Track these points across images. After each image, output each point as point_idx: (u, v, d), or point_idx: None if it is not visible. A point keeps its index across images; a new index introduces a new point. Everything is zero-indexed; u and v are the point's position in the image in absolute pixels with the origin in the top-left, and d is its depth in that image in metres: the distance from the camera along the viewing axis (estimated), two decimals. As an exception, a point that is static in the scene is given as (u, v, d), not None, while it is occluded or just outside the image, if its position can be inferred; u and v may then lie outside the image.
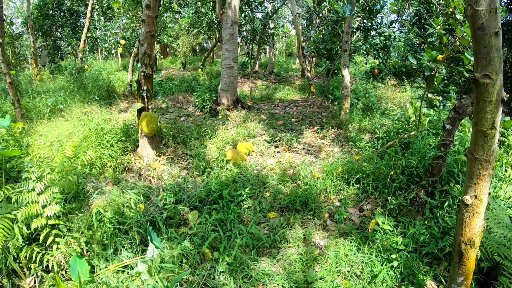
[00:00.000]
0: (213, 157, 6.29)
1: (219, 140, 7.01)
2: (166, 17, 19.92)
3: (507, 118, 14.13)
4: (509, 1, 11.57)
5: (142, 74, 6.12)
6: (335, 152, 6.99)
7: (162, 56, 26.85)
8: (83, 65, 14.10)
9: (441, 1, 7.62)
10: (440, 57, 5.16)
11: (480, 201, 2.68)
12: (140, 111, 6.29)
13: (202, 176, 5.72)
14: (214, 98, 10.04)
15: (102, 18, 21.58)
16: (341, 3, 8.62)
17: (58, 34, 20.83)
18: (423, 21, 21.32)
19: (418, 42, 20.97)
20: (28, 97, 10.39)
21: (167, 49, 31.12)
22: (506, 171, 5.38)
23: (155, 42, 23.88)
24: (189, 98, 12.21)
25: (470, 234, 2.77)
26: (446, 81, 6.18)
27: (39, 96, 10.45)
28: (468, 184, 2.70)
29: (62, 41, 20.92)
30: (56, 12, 20.29)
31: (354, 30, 12.14)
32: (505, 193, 4.70)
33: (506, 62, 14.63)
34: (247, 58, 14.80)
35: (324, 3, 15.03)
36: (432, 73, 5.50)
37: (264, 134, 7.71)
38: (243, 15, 13.22)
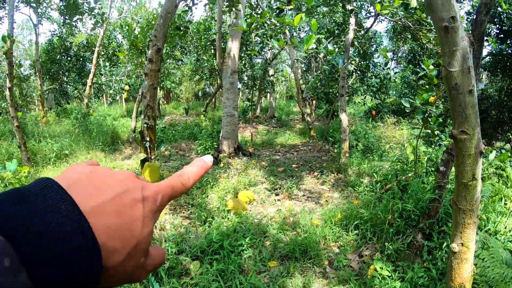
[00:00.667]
0: (214, 207, 6.41)
1: (221, 189, 7.15)
2: (169, 63, 20.62)
3: (507, 146, 14.28)
4: (498, 31, 11.98)
5: (145, 125, 6.35)
6: (335, 197, 7.10)
7: (165, 102, 27.53)
8: (89, 110, 14.51)
9: (431, 41, 7.97)
10: (432, 99, 5.38)
11: (467, 248, 2.78)
12: (143, 161, 6.48)
13: (203, 225, 5.82)
14: (216, 145, 10.27)
15: (107, 64, 22.36)
16: (334, 55, 8.96)
17: (65, 78, 21.46)
18: (417, 57, 21.97)
19: (414, 78, 21.49)
20: (34, 140, 10.65)
21: (170, 94, 31.92)
22: (505, 204, 5.45)
23: (159, 88, 24.59)
24: (191, 145, 12.47)
25: (460, 280, 2.85)
26: (441, 120, 6.37)
27: (45, 139, 10.72)
28: (455, 232, 2.81)
29: (68, 85, 21.53)
30: (63, 57, 21.01)
31: (351, 72, 12.52)
32: (505, 227, 4.76)
33: (501, 90, 14.98)
34: (248, 104, 15.20)
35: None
36: (426, 115, 5.70)
37: (264, 182, 7.85)
38: (243, 63, 13.73)
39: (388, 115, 20.07)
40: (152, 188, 0.48)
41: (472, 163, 2.61)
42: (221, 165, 8.97)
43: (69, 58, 21.36)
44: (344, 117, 8.32)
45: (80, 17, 13.57)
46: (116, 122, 15.86)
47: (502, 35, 12.47)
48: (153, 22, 11.83)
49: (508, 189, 5.84)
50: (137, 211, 0.44)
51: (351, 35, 9.19)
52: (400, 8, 6.40)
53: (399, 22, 8.39)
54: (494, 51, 12.97)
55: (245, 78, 16.22)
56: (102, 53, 21.31)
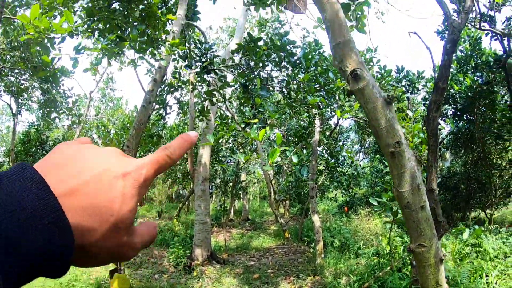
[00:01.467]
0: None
1: (194, 301, 6.85)
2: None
3: (482, 215, 14.32)
4: (454, 111, 12.74)
5: None
6: (313, 302, 6.89)
7: (138, 204, 27.00)
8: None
9: None
10: None
11: None
12: (112, 272, 6.22)
13: None
14: (189, 253, 10.02)
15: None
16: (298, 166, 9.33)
17: (39, 174, 20.97)
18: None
19: (382, 167, 22.23)
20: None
21: (144, 196, 31.44)
22: (487, 279, 5.40)
23: None
24: (163, 252, 12.10)
25: None
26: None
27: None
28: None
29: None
30: (38, 150, 20.67)
31: (321, 171, 12.87)
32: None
33: (466, 164, 15.53)
34: (221, 209, 15.15)
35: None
36: (394, 211, 5.86)
37: (239, 290, 7.59)
38: (214, 169, 14.00)
39: (361, 207, 20.13)
40: (135, 163, 0.48)
41: (434, 271, 2.68)
42: (194, 274, 8.68)
43: (44, 152, 21.19)
44: (316, 219, 8.42)
45: (57, 115, 13.77)
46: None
47: (458, 113, 13.39)
48: (128, 125, 12.14)
49: (487, 263, 5.86)
50: (116, 189, 0.44)
51: (317, 136, 9.69)
52: (358, 114, 6.92)
53: (361, 120, 8.99)
54: (453, 130, 13.75)
55: (218, 181, 16.41)
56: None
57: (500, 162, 15.53)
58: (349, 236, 12.39)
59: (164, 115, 8.46)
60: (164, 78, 8.68)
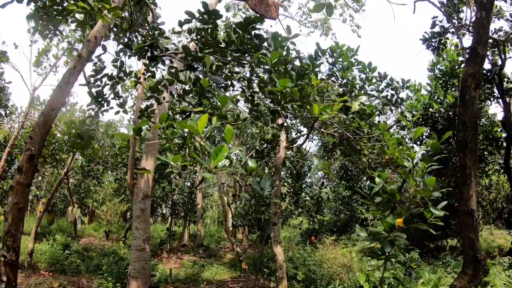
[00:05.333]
0: None
1: None
2: (90, 180, 18.75)
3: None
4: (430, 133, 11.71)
5: (2, 259, 4.41)
6: None
7: (85, 222, 24.44)
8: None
9: (373, 150, 7.12)
10: (399, 221, 4.12)
11: None
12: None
13: None
14: (120, 286, 8.16)
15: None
16: (259, 175, 7.94)
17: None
18: (349, 173, 21.92)
19: (348, 194, 21.14)
20: None
21: (95, 213, 28.88)
22: None
23: (80, 203, 21.92)
24: (94, 281, 10.14)
25: None
26: (407, 247, 5.09)
27: None
28: None
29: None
30: None
31: (284, 195, 11.47)
32: None
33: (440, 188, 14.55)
34: (166, 233, 13.24)
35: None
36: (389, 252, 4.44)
37: None
38: (161, 187, 12.15)
39: (326, 235, 19.08)
40: None
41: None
42: (124, 316, 6.86)
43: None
44: (278, 251, 6.82)
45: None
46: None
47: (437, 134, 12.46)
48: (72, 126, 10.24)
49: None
50: None
51: (282, 153, 8.25)
52: (338, 115, 5.56)
53: (335, 134, 7.61)
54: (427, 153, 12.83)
55: (164, 207, 14.57)
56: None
57: (479, 189, 14.78)
58: (314, 269, 10.98)
59: (97, 111, 6.79)
60: (100, 65, 7.05)
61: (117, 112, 7.23)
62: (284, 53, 4.70)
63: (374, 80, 7.12)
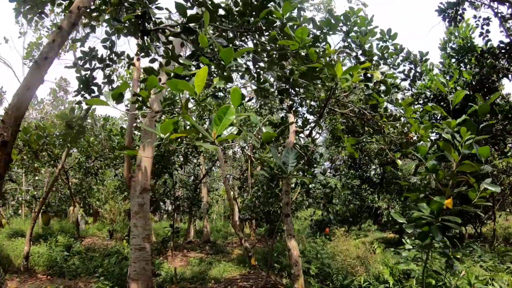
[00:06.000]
0: None
1: None
2: (91, 179, 18.16)
3: None
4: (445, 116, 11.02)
5: None
6: None
7: (89, 221, 23.82)
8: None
9: (395, 128, 6.39)
10: (448, 202, 3.36)
11: None
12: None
13: None
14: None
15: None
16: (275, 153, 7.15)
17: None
18: (357, 161, 21.16)
19: (357, 183, 20.38)
20: None
21: (99, 212, 28.29)
22: None
23: (82, 202, 21.33)
24: (91, 284, 9.48)
25: None
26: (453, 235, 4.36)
27: None
28: None
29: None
30: None
31: (295, 186, 10.77)
32: None
33: None
34: (169, 232, 12.52)
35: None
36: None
37: None
38: (162, 181, 11.42)
39: (336, 227, 18.44)
40: None
41: None
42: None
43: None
44: (293, 245, 6.07)
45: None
46: (10, 242, 12.77)
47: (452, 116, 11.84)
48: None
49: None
50: None
51: (291, 138, 7.52)
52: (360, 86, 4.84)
53: (351, 114, 6.85)
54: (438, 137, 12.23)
55: (168, 204, 13.88)
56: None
57: (494, 172, 14.02)
58: (329, 262, 10.31)
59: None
60: (89, 47, 6.31)
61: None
62: (295, 13, 3.96)
63: (394, 50, 6.36)
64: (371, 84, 5.12)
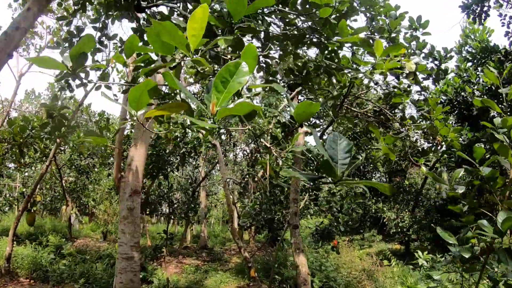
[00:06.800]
0: None
1: None
2: (88, 178, 17.46)
3: None
4: (461, 121, 10.46)
5: None
6: None
7: (84, 222, 22.98)
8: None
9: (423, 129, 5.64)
10: None
11: None
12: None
13: None
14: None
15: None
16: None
17: None
18: (361, 168, 20.40)
19: (360, 191, 19.62)
20: None
21: (94, 213, 27.49)
22: None
23: (77, 202, 20.58)
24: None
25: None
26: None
27: None
28: None
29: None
30: None
31: (302, 192, 10.03)
32: None
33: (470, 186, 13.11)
34: (162, 239, 11.68)
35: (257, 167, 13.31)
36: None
37: None
38: (157, 183, 10.62)
39: (338, 235, 17.69)
40: None
41: None
42: None
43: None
44: (302, 262, 5.26)
45: None
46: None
47: (470, 121, 11.16)
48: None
49: None
50: None
51: (301, 140, 6.79)
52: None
53: (369, 114, 6.09)
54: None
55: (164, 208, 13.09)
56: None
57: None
58: (334, 276, 9.57)
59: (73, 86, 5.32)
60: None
61: (98, 88, 5.69)
62: None
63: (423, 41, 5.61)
64: (402, 76, 4.40)
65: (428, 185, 17.13)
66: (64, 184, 16.84)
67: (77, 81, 5.42)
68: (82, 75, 5.75)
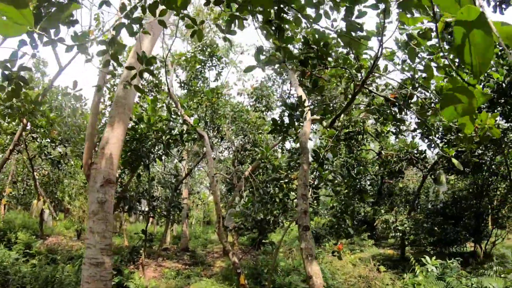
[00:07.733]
0: None
1: None
2: (60, 170, 16.14)
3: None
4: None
5: None
6: None
7: (58, 218, 21.47)
8: None
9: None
10: None
11: None
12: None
13: None
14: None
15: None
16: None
17: None
18: (351, 171, 19.60)
19: (348, 193, 18.84)
20: None
21: (69, 209, 26.01)
22: None
23: (51, 196, 19.23)
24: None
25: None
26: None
27: None
28: None
29: None
30: None
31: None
32: None
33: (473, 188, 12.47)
34: (140, 237, 10.54)
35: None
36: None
37: None
38: (136, 175, 9.44)
39: (327, 239, 16.95)
40: None
41: None
42: None
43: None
44: (316, 271, 4.15)
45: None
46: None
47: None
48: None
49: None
50: None
51: (307, 128, 5.84)
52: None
53: (390, 98, 5.14)
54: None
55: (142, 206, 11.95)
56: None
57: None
58: (333, 283, 8.75)
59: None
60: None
61: (69, 49, 4.39)
62: None
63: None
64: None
65: (424, 188, 16.45)
66: (36, 176, 15.57)
67: (45, 38, 4.16)
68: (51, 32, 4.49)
